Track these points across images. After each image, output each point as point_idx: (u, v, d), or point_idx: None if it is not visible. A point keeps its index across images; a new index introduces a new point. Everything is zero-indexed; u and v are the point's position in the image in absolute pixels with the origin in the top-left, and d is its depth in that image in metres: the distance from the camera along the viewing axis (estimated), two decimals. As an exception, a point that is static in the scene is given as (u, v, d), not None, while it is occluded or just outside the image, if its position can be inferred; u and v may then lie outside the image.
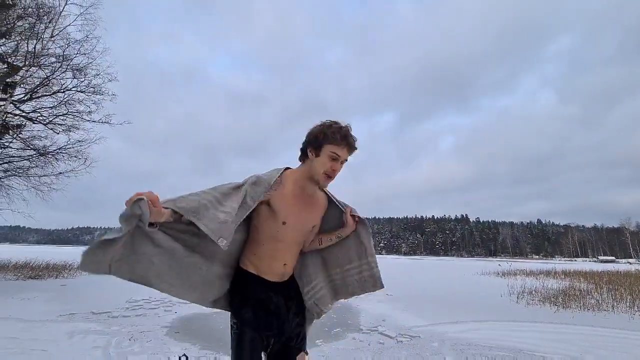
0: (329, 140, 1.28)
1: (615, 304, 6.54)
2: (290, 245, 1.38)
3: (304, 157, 1.36)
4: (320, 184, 1.33)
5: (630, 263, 47.25)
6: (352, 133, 1.33)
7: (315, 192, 1.42)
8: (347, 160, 1.34)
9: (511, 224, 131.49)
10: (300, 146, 1.37)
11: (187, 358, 3.13)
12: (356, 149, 1.34)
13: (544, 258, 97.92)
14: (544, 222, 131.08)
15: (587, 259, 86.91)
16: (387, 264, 31.48)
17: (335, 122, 1.31)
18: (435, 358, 3.34)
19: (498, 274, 15.79)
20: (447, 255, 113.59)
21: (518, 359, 3.36)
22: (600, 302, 6.79)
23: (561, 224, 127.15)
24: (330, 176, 1.31)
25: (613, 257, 78.77)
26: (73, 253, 29.03)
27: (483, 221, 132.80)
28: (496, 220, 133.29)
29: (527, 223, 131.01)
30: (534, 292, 8.27)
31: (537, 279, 12.53)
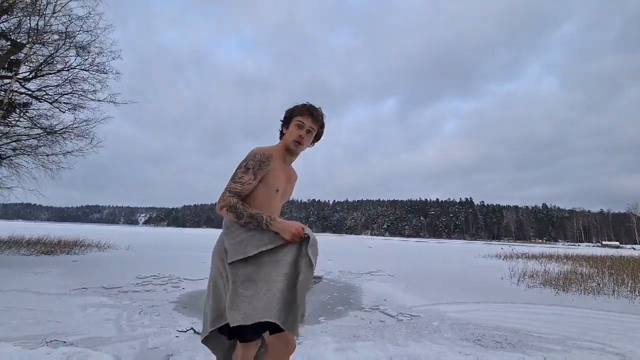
0: (294, 114, 1.59)
1: (616, 288, 6.59)
2: (278, 213, 1.60)
3: (281, 135, 1.66)
4: (292, 150, 1.59)
5: (635, 249, 47.15)
6: (320, 111, 1.62)
7: (290, 168, 1.68)
8: (314, 129, 1.60)
9: (516, 207, 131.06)
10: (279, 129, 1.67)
11: (194, 331, 3.26)
12: (320, 119, 1.61)
13: (547, 242, 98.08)
14: (549, 206, 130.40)
15: (591, 243, 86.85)
16: (390, 245, 31.86)
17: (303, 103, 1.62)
18: (435, 336, 3.43)
19: (500, 257, 15.91)
20: (450, 238, 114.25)
21: (515, 338, 3.45)
22: (601, 285, 6.84)
23: (567, 208, 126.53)
24: (299, 142, 1.57)
25: (617, 243, 78.59)
26: (83, 230, 29.80)
27: (487, 205, 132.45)
28: (501, 204, 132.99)
29: (532, 207, 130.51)
30: (535, 275, 8.35)
31: (538, 262, 12.61)
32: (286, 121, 1.61)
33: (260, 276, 1.36)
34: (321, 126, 1.64)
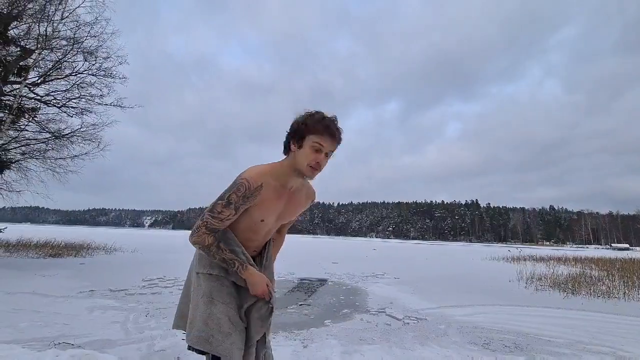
0: (311, 131, 1.24)
1: (627, 291, 6.47)
2: (264, 236, 1.44)
3: (287, 150, 1.33)
4: (306, 176, 1.30)
5: (645, 251, 46.30)
6: (338, 125, 1.29)
7: (299, 188, 1.42)
8: (332, 152, 1.30)
9: (522, 209, 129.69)
10: (284, 139, 1.33)
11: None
12: (340, 140, 1.30)
13: (555, 244, 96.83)
14: (556, 208, 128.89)
15: (600, 246, 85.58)
16: (395, 247, 31.69)
17: (318, 112, 1.28)
18: (442, 339, 3.40)
19: (507, 259, 15.73)
20: (457, 240, 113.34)
21: (524, 342, 3.39)
22: (611, 289, 6.73)
23: (575, 210, 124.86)
24: (315, 168, 1.27)
25: (627, 245, 77.34)
26: (90, 233, 30.09)
27: (494, 207, 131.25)
28: (507, 206, 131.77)
29: (540, 209, 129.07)
30: (543, 277, 8.24)
31: (547, 265, 12.45)
32: (298, 137, 1.27)
33: (221, 297, 1.32)
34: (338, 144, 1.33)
